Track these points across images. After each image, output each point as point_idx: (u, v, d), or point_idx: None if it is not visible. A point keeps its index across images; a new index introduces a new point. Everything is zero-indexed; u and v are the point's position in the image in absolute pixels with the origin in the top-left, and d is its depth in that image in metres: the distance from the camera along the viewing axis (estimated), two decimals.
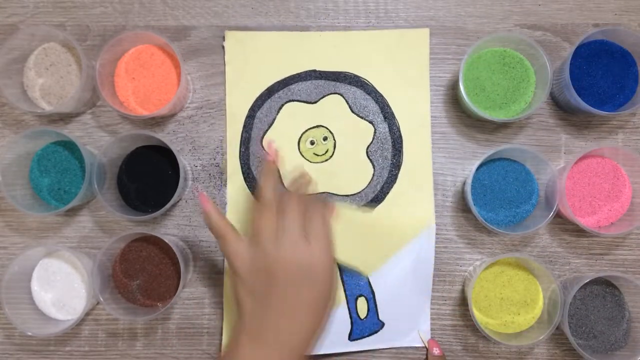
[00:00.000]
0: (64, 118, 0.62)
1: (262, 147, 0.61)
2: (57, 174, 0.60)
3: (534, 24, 0.62)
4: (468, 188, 0.57)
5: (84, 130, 0.62)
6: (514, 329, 0.58)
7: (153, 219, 0.60)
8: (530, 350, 0.60)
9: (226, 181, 0.61)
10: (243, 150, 0.61)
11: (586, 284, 0.56)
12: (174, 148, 0.57)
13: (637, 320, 0.58)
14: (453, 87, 0.62)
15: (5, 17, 0.63)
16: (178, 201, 0.62)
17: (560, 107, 0.62)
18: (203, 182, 0.62)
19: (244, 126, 0.61)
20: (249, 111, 0.61)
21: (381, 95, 0.62)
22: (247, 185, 0.61)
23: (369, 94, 0.62)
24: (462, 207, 0.61)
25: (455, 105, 0.62)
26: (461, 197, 0.61)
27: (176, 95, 0.57)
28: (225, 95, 0.62)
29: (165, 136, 0.62)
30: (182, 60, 0.59)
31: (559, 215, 0.59)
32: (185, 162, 0.61)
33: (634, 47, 0.58)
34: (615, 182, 0.59)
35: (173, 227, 0.62)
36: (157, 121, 0.62)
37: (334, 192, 0.61)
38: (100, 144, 0.62)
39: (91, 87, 0.59)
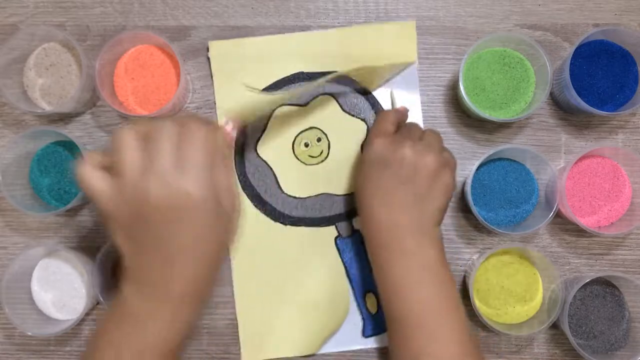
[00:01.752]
0: (64, 118, 0.62)
1: (257, 154, 0.61)
2: (57, 174, 0.60)
3: (534, 24, 0.62)
4: (468, 188, 0.57)
5: (84, 130, 0.62)
6: (505, 319, 0.58)
7: None
8: (530, 350, 0.60)
9: None
10: (238, 159, 0.61)
11: (586, 284, 0.56)
12: None
13: (637, 320, 0.58)
14: (453, 87, 0.62)
15: (5, 17, 0.63)
16: None
17: (560, 107, 0.62)
18: None
19: (237, 135, 0.61)
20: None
21: (370, 92, 0.62)
22: (244, 192, 0.61)
23: (358, 91, 0.62)
24: (462, 207, 0.61)
25: (455, 105, 0.62)
26: (461, 197, 0.61)
27: (176, 95, 0.57)
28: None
29: None
30: (182, 60, 0.59)
31: (559, 215, 0.59)
32: None
33: (634, 47, 0.58)
34: (615, 182, 0.59)
35: None
36: None
37: (333, 192, 0.61)
38: (100, 144, 0.62)
39: (91, 87, 0.59)
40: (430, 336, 0.48)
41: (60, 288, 0.59)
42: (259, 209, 0.61)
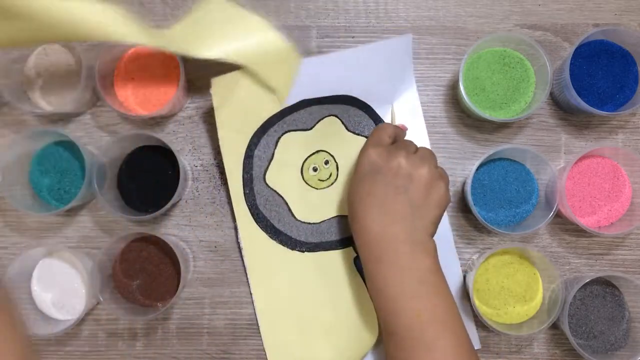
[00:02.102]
0: (64, 118, 0.62)
1: (267, 184, 0.60)
2: (57, 174, 0.60)
3: (534, 24, 0.62)
4: (468, 188, 0.57)
5: (84, 130, 0.62)
6: (505, 319, 0.58)
7: (153, 219, 0.60)
8: (530, 350, 0.60)
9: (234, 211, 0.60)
10: (247, 191, 0.60)
11: (586, 284, 0.56)
12: (174, 148, 0.57)
13: (637, 320, 0.58)
14: (453, 87, 0.62)
15: None
16: (178, 201, 0.62)
17: (560, 107, 0.62)
18: (203, 182, 0.62)
19: (244, 168, 0.60)
20: (246, 152, 0.60)
21: (372, 109, 0.61)
22: (258, 225, 0.60)
23: (360, 109, 0.61)
24: (462, 207, 0.61)
25: (455, 105, 0.62)
26: (461, 197, 0.61)
27: (176, 95, 0.58)
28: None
29: (165, 136, 0.62)
30: (182, 60, 0.59)
31: (559, 215, 0.59)
32: (185, 162, 0.61)
33: (634, 47, 0.58)
34: (615, 182, 0.59)
35: (173, 227, 0.62)
36: (157, 121, 0.62)
37: (346, 214, 0.58)
38: (100, 144, 0.62)
39: (91, 87, 0.59)
40: (428, 348, 0.47)
41: (60, 288, 0.59)
42: (274, 240, 0.60)
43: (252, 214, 0.60)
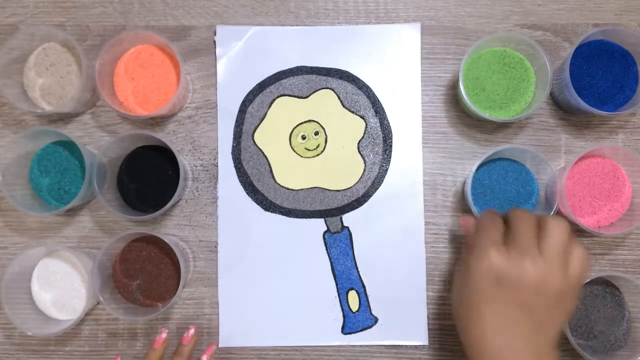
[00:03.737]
0: (64, 118, 0.62)
1: (254, 141, 0.62)
2: (57, 174, 0.60)
3: (534, 24, 0.62)
4: (468, 188, 0.57)
5: (84, 130, 0.62)
6: None
7: (153, 219, 0.60)
8: None
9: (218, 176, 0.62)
10: (235, 145, 0.62)
11: (586, 284, 0.56)
12: (174, 148, 0.57)
13: (637, 320, 0.58)
14: (453, 87, 0.62)
15: (5, 17, 0.63)
16: (178, 201, 0.62)
17: (560, 107, 0.62)
18: (203, 182, 0.62)
19: (236, 121, 0.62)
20: (240, 106, 0.62)
21: (372, 90, 0.62)
22: (238, 179, 0.61)
23: (360, 88, 0.62)
24: (462, 207, 0.61)
25: (455, 105, 0.62)
26: (461, 197, 0.61)
27: (176, 95, 0.58)
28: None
29: (165, 136, 0.62)
30: (182, 60, 0.59)
31: (559, 215, 0.59)
32: (185, 162, 0.61)
33: (634, 47, 0.58)
34: (615, 182, 0.59)
35: (173, 227, 0.62)
36: (157, 121, 0.62)
37: (326, 187, 0.61)
38: (100, 144, 0.62)
39: (91, 87, 0.59)
40: None
41: (60, 288, 0.59)
42: (250, 197, 0.61)
43: (235, 167, 0.61)
